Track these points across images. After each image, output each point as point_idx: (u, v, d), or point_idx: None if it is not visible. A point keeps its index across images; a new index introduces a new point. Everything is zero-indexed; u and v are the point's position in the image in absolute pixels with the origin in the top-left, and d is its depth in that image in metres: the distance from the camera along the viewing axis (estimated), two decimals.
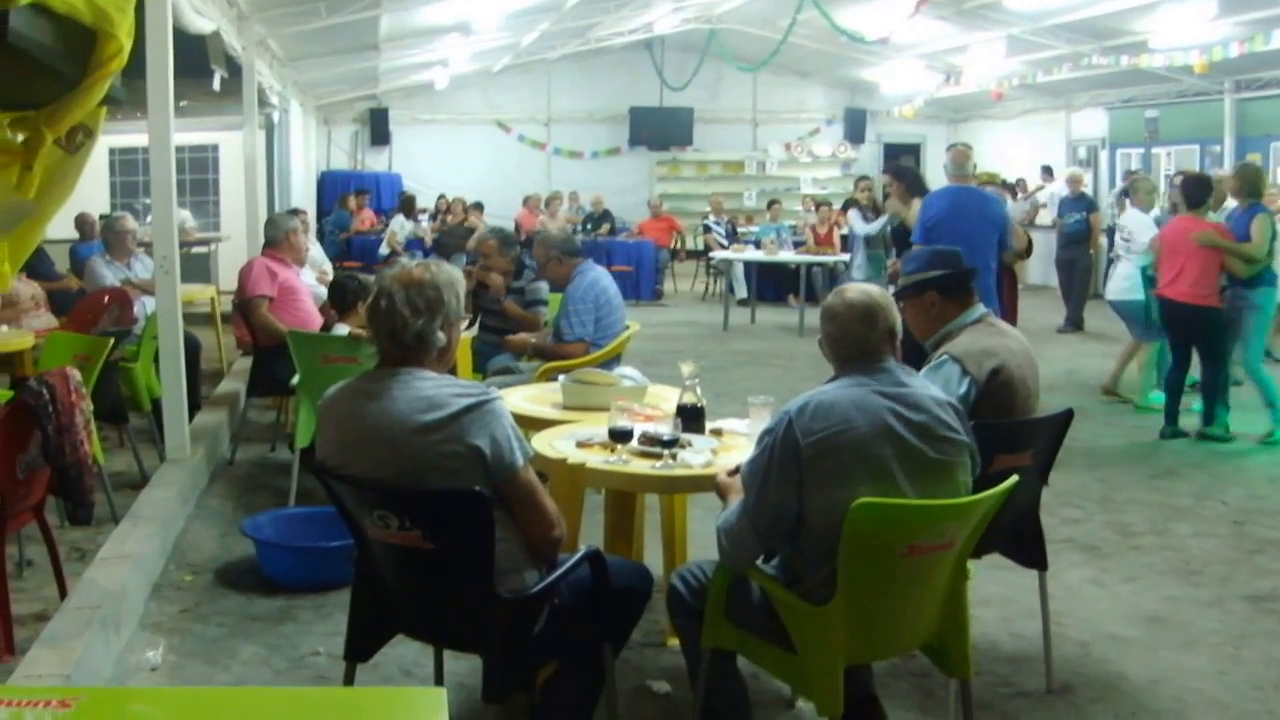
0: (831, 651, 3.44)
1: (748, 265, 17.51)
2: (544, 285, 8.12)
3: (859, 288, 3.83)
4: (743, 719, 3.93)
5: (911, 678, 4.76)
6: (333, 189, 22.02)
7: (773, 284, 18.11)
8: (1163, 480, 8.05)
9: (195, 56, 9.93)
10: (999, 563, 4.88)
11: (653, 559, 5.46)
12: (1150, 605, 5.72)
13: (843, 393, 3.55)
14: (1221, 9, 14.86)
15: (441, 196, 21.49)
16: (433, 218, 20.21)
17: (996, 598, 5.60)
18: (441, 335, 3.62)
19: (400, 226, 18.79)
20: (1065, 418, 4.62)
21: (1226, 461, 8.58)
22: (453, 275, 3.71)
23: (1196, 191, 9.19)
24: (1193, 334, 9.07)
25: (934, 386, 3.79)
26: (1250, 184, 9.14)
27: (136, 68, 7.04)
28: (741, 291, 17.71)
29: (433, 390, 3.51)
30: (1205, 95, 19.03)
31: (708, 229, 20.16)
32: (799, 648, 3.51)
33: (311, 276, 10.07)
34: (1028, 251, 11.81)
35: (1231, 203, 9.54)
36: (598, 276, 7.50)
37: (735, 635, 3.74)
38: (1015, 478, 3.62)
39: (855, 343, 3.66)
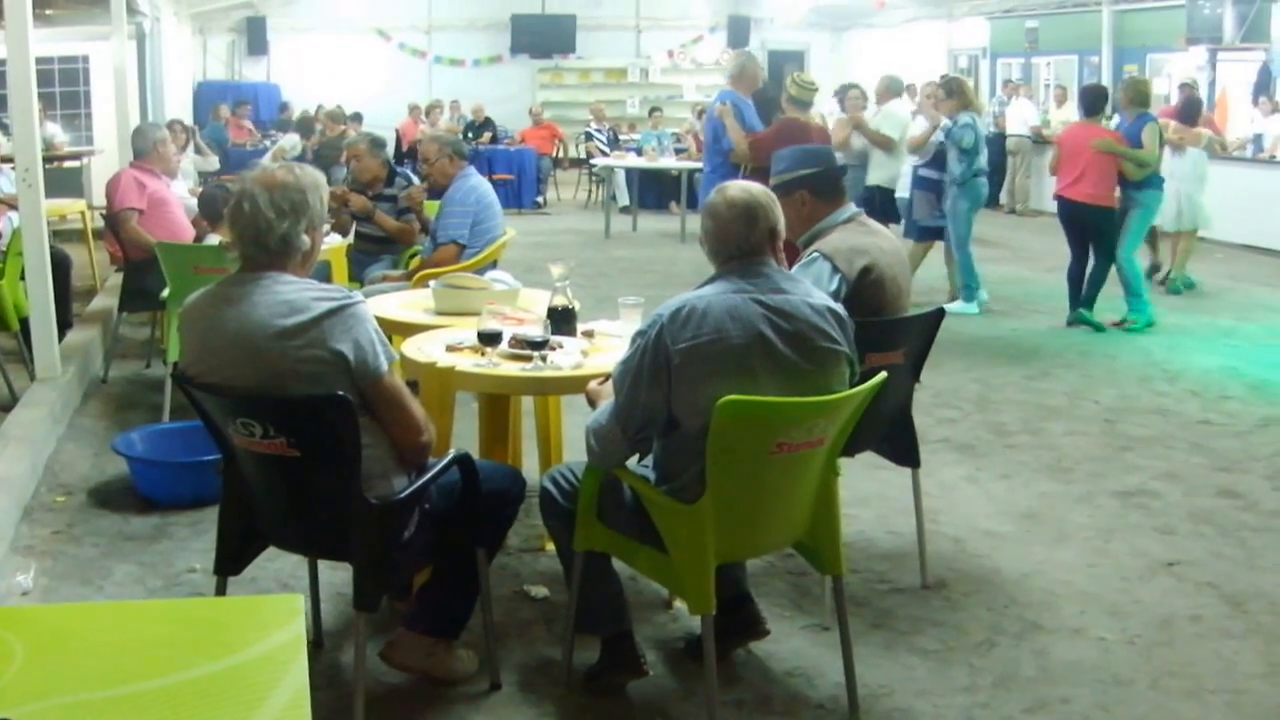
0: (702, 550, 3.44)
1: (629, 173, 17.42)
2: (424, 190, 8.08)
3: (741, 184, 3.75)
4: (618, 620, 3.93)
5: (788, 576, 4.80)
6: (209, 101, 21.48)
7: (654, 192, 18.08)
8: (1038, 381, 8.20)
9: None
10: (876, 462, 4.93)
11: (531, 463, 5.47)
12: (1023, 502, 5.83)
13: (718, 299, 3.49)
14: None
15: (320, 108, 21.09)
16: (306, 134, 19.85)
17: (873, 496, 5.66)
18: (306, 239, 3.53)
19: (292, 145, 18.44)
20: (936, 316, 4.65)
21: (1100, 363, 8.76)
22: (316, 178, 3.61)
23: (1094, 101, 10.22)
24: (1088, 231, 9.85)
25: (817, 292, 3.74)
26: (1139, 95, 10.00)
27: None
28: (624, 199, 17.66)
29: (294, 294, 3.41)
30: (1084, 6, 19.25)
31: (590, 137, 20.07)
32: (670, 547, 3.51)
33: (184, 188, 9.83)
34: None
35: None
36: (478, 183, 7.42)
37: (607, 537, 3.73)
38: (884, 374, 3.61)
39: (735, 241, 3.60)
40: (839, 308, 3.69)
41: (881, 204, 10.87)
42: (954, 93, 10.52)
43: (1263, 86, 16.25)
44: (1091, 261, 9.93)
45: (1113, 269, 9.89)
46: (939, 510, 5.56)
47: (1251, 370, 8.56)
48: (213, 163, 15.11)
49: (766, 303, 3.49)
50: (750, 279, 3.55)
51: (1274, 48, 16.60)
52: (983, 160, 10.56)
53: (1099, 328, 9.82)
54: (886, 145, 11.24)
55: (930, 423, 6.82)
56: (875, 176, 11.36)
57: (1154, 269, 11.88)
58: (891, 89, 11.68)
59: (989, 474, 6.24)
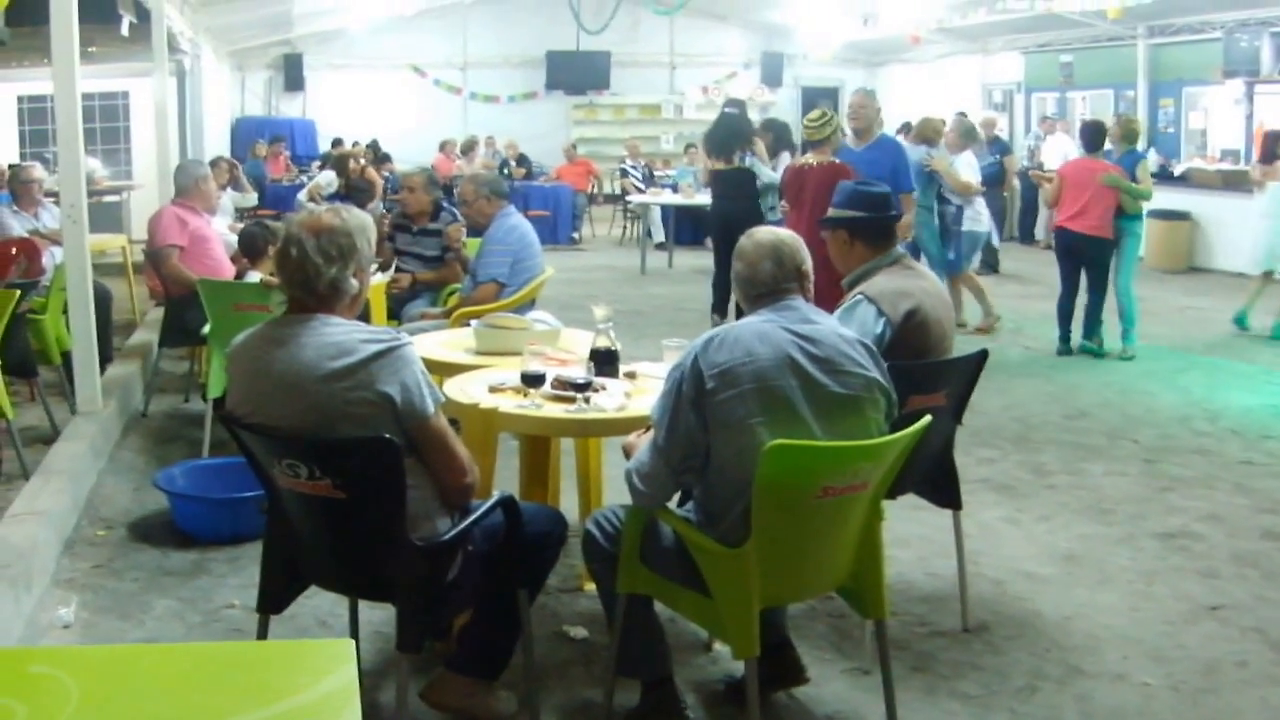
0: (746, 594, 3.44)
1: (665, 209, 17.43)
2: (463, 229, 8.11)
3: (769, 229, 3.88)
4: (660, 663, 3.93)
5: (828, 619, 4.79)
6: (247, 136, 21.62)
7: (690, 227, 18.07)
8: (1076, 420, 8.16)
9: (103, 1, 9.71)
10: (915, 503, 4.90)
11: (569, 504, 5.47)
12: (1064, 543, 5.80)
13: (748, 327, 3.58)
14: None
15: (355, 143, 21.20)
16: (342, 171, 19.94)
17: (913, 538, 5.64)
18: (354, 282, 3.57)
19: (329, 182, 18.55)
20: (979, 358, 4.64)
21: (1139, 401, 8.70)
22: (363, 220, 3.65)
23: (1095, 137, 10.46)
24: (1088, 262, 10.20)
25: (843, 326, 3.81)
26: (1129, 133, 10.64)
27: (40, 13, 6.90)
28: (659, 235, 17.68)
29: (342, 336, 3.45)
30: (1119, 40, 19.19)
31: (625, 173, 20.11)
32: (713, 591, 3.50)
33: (224, 224, 9.91)
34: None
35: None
36: (518, 222, 7.48)
37: (650, 580, 3.73)
38: (928, 418, 3.62)
39: (763, 281, 3.69)
40: (868, 341, 3.74)
41: None
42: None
43: None
44: (1085, 294, 10.32)
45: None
46: (979, 552, 5.54)
47: None
48: (251, 198, 15.20)
49: (795, 330, 3.56)
50: (779, 312, 3.63)
51: None
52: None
53: (1100, 353, 10.25)
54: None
55: (969, 462, 6.79)
56: None
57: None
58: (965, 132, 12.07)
59: (1029, 515, 6.21)
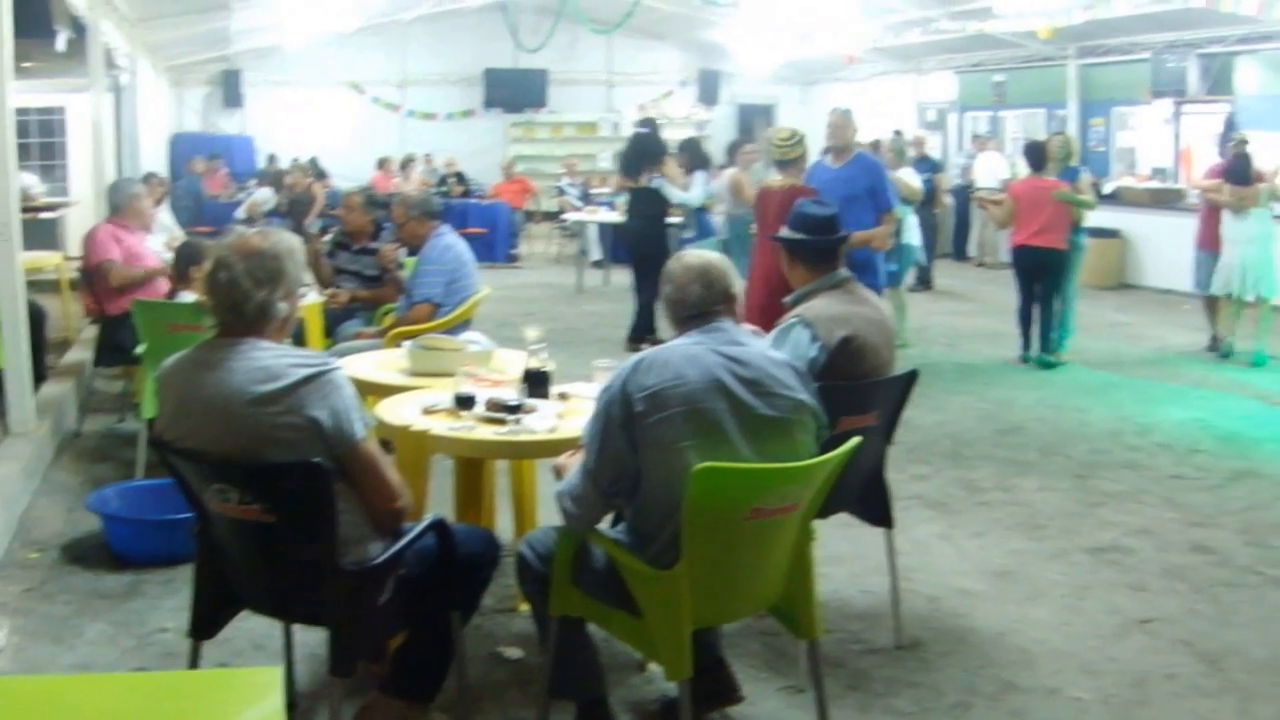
0: (677, 616, 3.45)
1: (601, 227, 17.39)
2: (402, 250, 8.09)
3: (698, 252, 3.89)
4: (593, 684, 3.94)
5: (763, 637, 4.80)
6: (185, 152, 21.45)
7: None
8: (1009, 436, 8.23)
9: (38, 15, 9.60)
10: (849, 520, 4.92)
11: (505, 524, 5.46)
12: (997, 559, 5.85)
13: (677, 349, 3.59)
14: None
15: (294, 160, 21.11)
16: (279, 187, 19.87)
17: (847, 554, 5.66)
18: (283, 305, 3.56)
19: (265, 198, 18.46)
20: (909, 378, 4.68)
21: (1071, 417, 8.80)
22: (292, 243, 3.64)
23: (1039, 156, 10.86)
24: (1046, 274, 10.60)
25: (772, 350, 3.83)
26: (1066, 152, 11.09)
27: None
28: (595, 253, 17.66)
29: (270, 361, 3.43)
30: (1050, 61, 19.43)
31: (562, 191, 20.10)
32: (645, 613, 3.51)
33: (159, 243, 9.83)
34: None
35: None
36: (452, 242, 7.45)
37: (582, 601, 3.74)
38: (857, 439, 3.65)
39: (692, 303, 3.71)
40: (800, 364, 3.78)
41: None
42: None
43: (1227, 138, 16.42)
44: (1040, 304, 10.73)
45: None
46: (913, 568, 5.57)
47: (1221, 423, 8.62)
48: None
49: (724, 352, 3.57)
50: (708, 334, 3.65)
51: (1237, 101, 16.81)
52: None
53: (1053, 365, 10.63)
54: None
55: (903, 479, 6.83)
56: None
57: (1215, 340, 11.33)
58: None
59: (962, 531, 6.26)
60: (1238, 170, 10.88)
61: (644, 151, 11.38)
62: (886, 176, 9.40)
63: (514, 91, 25.48)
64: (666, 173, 11.39)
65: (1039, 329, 10.77)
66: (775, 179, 8.59)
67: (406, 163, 20.72)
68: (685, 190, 11.74)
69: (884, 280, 10.36)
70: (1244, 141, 11.57)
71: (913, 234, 12.00)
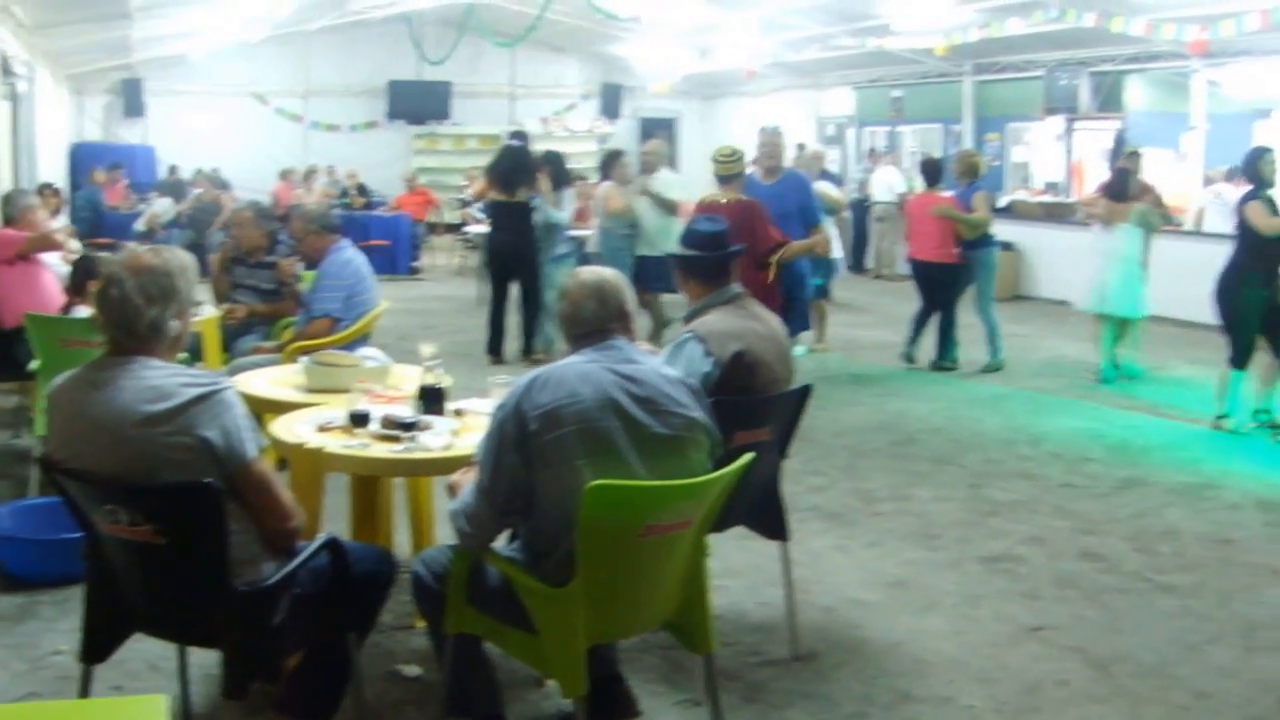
0: (572, 633, 3.46)
1: None
2: (301, 264, 8.02)
3: (593, 270, 3.90)
4: (491, 701, 3.94)
5: (660, 651, 4.81)
6: (85, 162, 21.07)
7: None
8: (904, 446, 8.34)
9: None
10: (746, 532, 4.95)
11: (403, 541, 5.44)
12: (891, 569, 5.91)
13: (571, 368, 3.60)
14: None
15: (198, 170, 20.86)
16: (179, 197, 19.62)
17: (744, 566, 5.69)
18: (174, 324, 3.52)
19: (165, 209, 18.20)
20: (803, 393, 4.73)
21: (965, 427, 8.93)
22: (184, 261, 3.60)
23: (933, 172, 11.37)
24: (936, 287, 11.00)
25: (667, 366, 3.86)
26: (969, 168, 11.27)
27: None
28: None
29: (161, 380, 3.40)
30: (947, 77, 19.75)
31: (464, 203, 20.03)
32: (540, 630, 3.52)
33: (55, 255, 9.65)
34: None
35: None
36: (351, 256, 7.40)
37: (478, 619, 3.73)
38: (749, 455, 3.67)
39: (586, 320, 3.72)
40: (695, 379, 3.80)
41: (657, 272, 10.38)
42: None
43: (1117, 154, 16.76)
44: (941, 314, 11.11)
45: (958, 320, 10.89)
46: (809, 580, 5.61)
47: (1111, 431, 8.80)
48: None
49: (618, 370, 3.59)
50: (603, 351, 3.66)
51: (1127, 118, 17.17)
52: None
53: (952, 368, 11.05)
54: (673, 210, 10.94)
55: (799, 490, 6.90)
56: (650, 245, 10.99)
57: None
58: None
59: (858, 542, 6.32)
60: (1116, 185, 11.03)
61: (522, 165, 11.22)
62: (814, 192, 9.64)
63: (417, 103, 25.41)
64: (541, 189, 11.23)
65: (939, 339, 11.11)
66: (720, 195, 8.59)
67: (309, 174, 20.55)
68: (556, 207, 11.47)
69: (811, 293, 10.52)
70: (1136, 154, 11.75)
71: (834, 246, 12.19)
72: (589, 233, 12.52)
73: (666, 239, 10.06)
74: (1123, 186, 10.91)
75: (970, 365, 11.16)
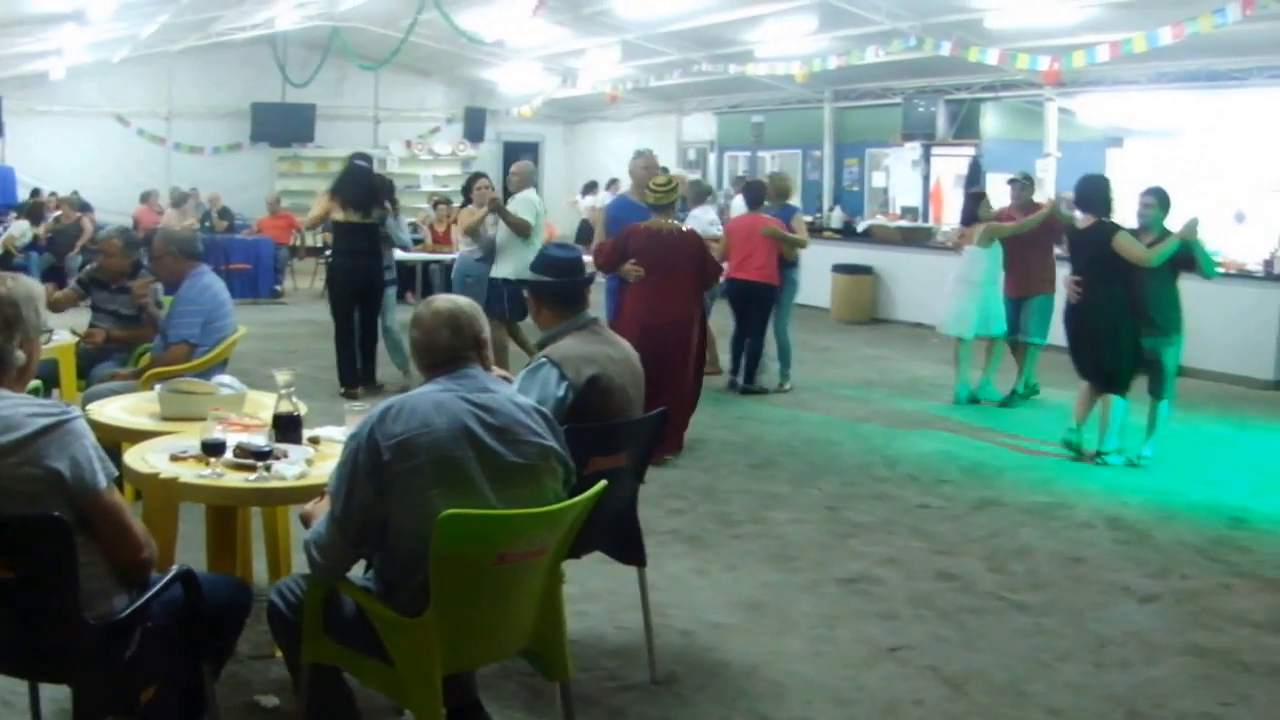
0: (427, 663, 3.46)
1: None
2: (159, 288, 7.86)
3: (447, 297, 3.90)
4: None
5: (520, 677, 4.79)
6: None
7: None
8: (762, 469, 8.41)
9: None
10: (606, 557, 4.96)
11: (261, 566, 5.38)
12: (750, 592, 5.96)
13: (425, 397, 3.60)
14: (821, 24, 15.78)
15: (51, 194, 20.41)
16: (37, 220, 19.18)
17: (603, 591, 5.69)
18: (20, 354, 3.45)
19: (22, 232, 17.77)
20: (659, 418, 4.77)
21: (822, 450, 9.05)
22: (31, 289, 3.54)
23: (756, 195, 11.46)
24: (754, 307, 11.09)
25: (521, 395, 3.87)
26: (782, 190, 11.65)
27: None
28: None
29: (8, 410, 3.32)
30: (807, 103, 20.10)
31: (327, 226, 19.83)
32: (395, 660, 3.51)
33: None
34: None
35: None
36: (210, 281, 7.30)
37: (334, 649, 3.71)
38: (602, 483, 3.71)
39: (441, 349, 3.72)
40: (550, 405, 3.81)
41: (510, 299, 10.54)
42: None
43: (973, 180, 17.16)
44: (750, 335, 11.22)
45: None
46: (667, 604, 5.64)
47: (965, 453, 8.98)
48: None
49: (472, 399, 3.60)
50: (457, 380, 3.67)
51: (983, 144, 17.60)
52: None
53: (759, 392, 11.19)
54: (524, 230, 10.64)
55: (658, 514, 6.95)
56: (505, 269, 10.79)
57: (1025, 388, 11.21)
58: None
59: (716, 565, 6.35)
60: (965, 209, 11.36)
61: (375, 186, 10.94)
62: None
63: (281, 126, 25.21)
64: (394, 212, 11.01)
65: (748, 363, 11.27)
66: (663, 222, 8.63)
67: (181, 199, 20.00)
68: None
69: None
70: (980, 194, 11.77)
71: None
72: (453, 256, 12.41)
73: (520, 263, 10.03)
74: (970, 211, 11.14)
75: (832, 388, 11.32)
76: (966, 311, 10.69)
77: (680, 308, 8.46)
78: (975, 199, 11.23)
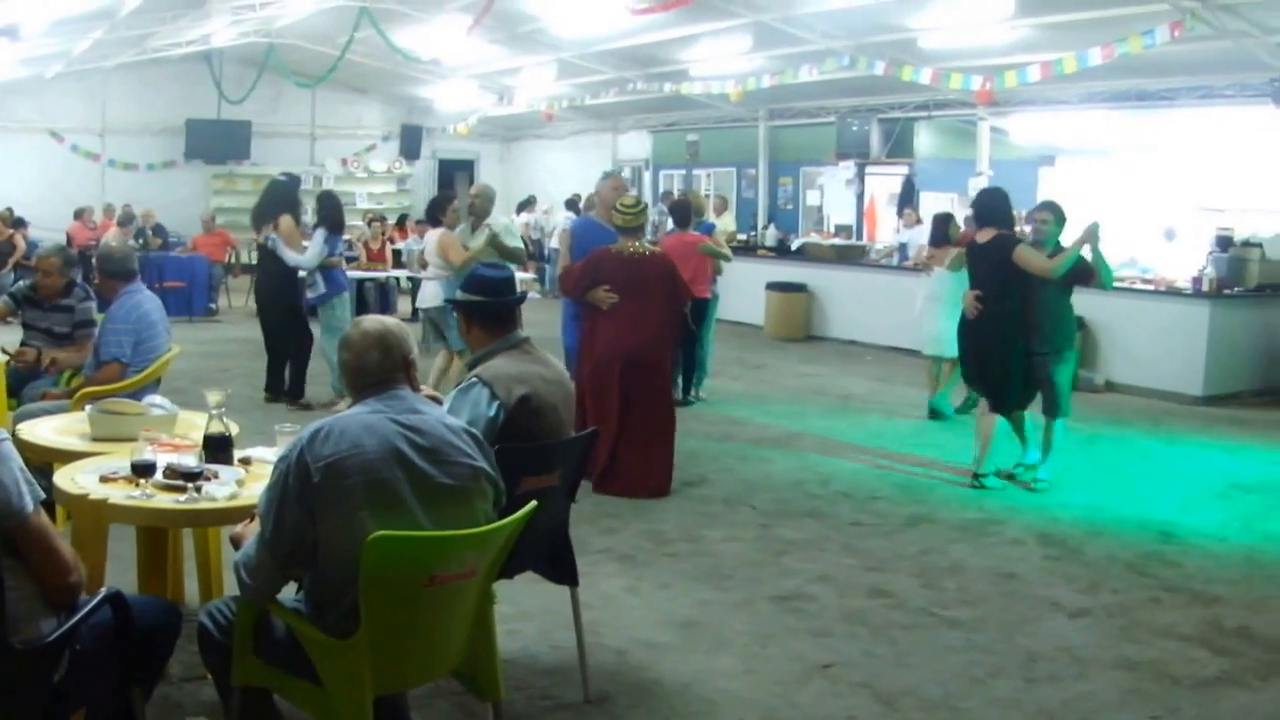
0: (357, 685, 3.46)
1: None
2: (93, 306, 7.80)
3: (376, 319, 3.91)
4: None
5: (452, 697, 4.78)
6: None
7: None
8: (696, 487, 8.42)
9: None
10: (539, 576, 4.96)
11: (193, 590, 5.35)
12: (683, 610, 5.98)
13: (355, 419, 3.61)
14: (756, 44, 15.91)
15: None
16: None
17: (536, 610, 5.69)
18: None
19: None
20: (589, 438, 4.80)
21: (755, 468, 9.09)
22: None
23: (685, 214, 11.55)
24: (694, 321, 10.92)
25: (451, 416, 3.89)
26: (699, 209, 12.28)
27: None
28: None
29: None
30: (742, 122, 20.23)
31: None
32: (325, 682, 3.52)
33: None
34: None
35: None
36: (142, 300, 7.24)
37: (264, 671, 3.70)
38: (534, 503, 3.74)
39: (370, 370, 3.74)
40: (475, 431, 3.83)
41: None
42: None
43: (906, 199, 17.34)
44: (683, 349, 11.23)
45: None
46: (601, 622, 5.66)
47: (897, 471, 9.05)
48: None
49: (402, 421, 3.61)
50: (386, 402, 3.68)
51: (916, 163, 17.78)
52: None
53: (693, 402, 11.55)
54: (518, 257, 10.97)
55: (592, 533, 6.97)
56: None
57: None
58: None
59: (649, 583, 6.37)
60: (935, 231, 11.53)
61: (274, 200, 10.83)
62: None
63: (216, 143, 25.15)
64: (281, 230, 10.68)
65: (684, 376, 11.52)
66: (634, 245, 8.47)
67: (127, 218, 19.76)
68: (302, 250, 10.78)
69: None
70: (949, 216, 11.80)
71: None
72: (383, 275, 12.29)
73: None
74: (940, 232, 11.31)
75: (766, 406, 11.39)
76: (943, 331, 10.58)
77: (655, 333, 8.32)
78: (944, 221, 11.44)
